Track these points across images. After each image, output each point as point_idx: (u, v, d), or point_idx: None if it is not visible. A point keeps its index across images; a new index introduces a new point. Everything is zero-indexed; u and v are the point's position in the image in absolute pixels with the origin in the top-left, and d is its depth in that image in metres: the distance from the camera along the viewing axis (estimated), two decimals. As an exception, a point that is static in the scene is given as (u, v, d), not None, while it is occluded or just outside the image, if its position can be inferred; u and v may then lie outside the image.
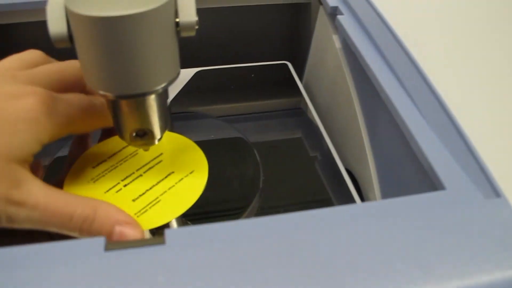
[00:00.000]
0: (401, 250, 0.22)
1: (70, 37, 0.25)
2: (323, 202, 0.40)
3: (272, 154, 0.45)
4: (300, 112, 0.52)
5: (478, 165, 0.28)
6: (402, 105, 0.32)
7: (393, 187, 0.36)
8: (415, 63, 0.34)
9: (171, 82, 0.27)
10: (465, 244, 0.23)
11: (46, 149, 0.40)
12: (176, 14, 0.26)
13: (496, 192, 0.26)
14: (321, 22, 0.47)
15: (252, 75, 0.51)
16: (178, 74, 0.28)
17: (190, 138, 0.36)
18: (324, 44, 0.47)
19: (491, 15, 0.54)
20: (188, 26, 0.26)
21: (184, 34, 0.27)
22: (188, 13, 0.26)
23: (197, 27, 0.26)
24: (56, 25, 0.25)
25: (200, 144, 0.37)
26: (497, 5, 0.56)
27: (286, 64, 0.53)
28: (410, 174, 0.32)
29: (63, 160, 0.42)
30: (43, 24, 0.26)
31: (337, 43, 0.43)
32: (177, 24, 0.26)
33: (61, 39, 0.25)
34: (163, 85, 0.27)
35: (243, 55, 0.56)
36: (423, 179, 0.30)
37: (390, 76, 0.34)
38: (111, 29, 0.23)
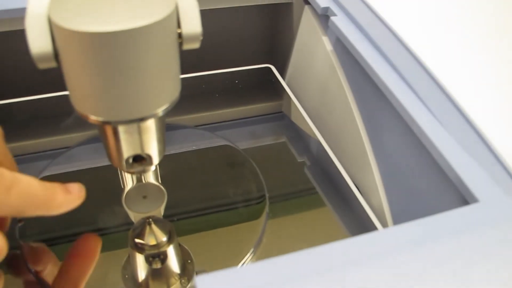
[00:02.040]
0: (455, 276, 0.20)
1: (55, 55, 0.22)
2: (330, 212, 0.38)
3: (263, 162, 0.42)
4: (283, 116, 0.49)
5: (507, 172, 0.26)
6: (415, 109, 0.30)
7: (402, 194, 0.35)
8: (422, 63, 0.33)
9: (173, 103, 0.24)
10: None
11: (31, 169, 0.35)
12: (178, 25, 0.23)
13: (531, 201, 0.25)
14: (307, 23, 0.45)
15: (236, 81, 0.48)
16: (179, 93, 0.25)
17: (175, 151, 0.33)
18: (311, 46, 0.45)
19: (493, 8, 0.53)
20: (192, 38, 0.23)
21: (187, 46, 0.23)
22: (191, 23, 0.23)
23: (201, 38, 0.23)
24: (38, 42, 0.21)
25: (185, 155, 0.34)
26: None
27: (269, 68, 0.50)
28: (427, 182, 0.30)
29: (49, 179, 0.38)
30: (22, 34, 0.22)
31: (328, 45, 0.41)
32: (179, 35, 0.23)
33: (45, 58, 0.22)
34: (164, 107, 0.24)
35: (219, 60, 0.53)
36: (446, 189, 0.28)
37: (397, 79, 0.32)
38: (108, 46, 0.20)
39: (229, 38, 0.52)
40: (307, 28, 0.45)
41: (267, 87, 0.50)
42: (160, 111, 0.24)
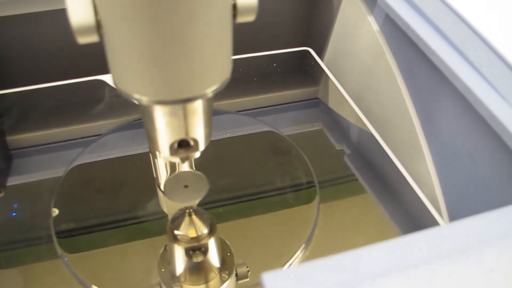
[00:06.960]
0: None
1: (98, 27, 0.19)
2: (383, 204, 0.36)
3: (302, 149, 0.40)
4: (318, 102, 0.47)
5: None
6: (483, 92, 0.27)
7: (460, 181, 0.32)
8: (485, 40, 0.30)
9: (223, 84, 0.22)
10: None
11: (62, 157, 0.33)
12: (233, -5, 0.20)
13: None
14: (350, 2, 0.42)
15: (274, 64, 0.46)
16: (231, 74, 0.23)
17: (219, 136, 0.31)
18: (354, 26, 0.42)
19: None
20: (248, 9, 0.21)
21: (241, 19, 0.21)
22: None
23: (257, 9, 0.21)
24: (79, 13, 0.19)
25: (229, 141, 0.31)
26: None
27: (307, 50, 0.48)
28: (495, 171, 0.28)
29: (82, 168, 0.37)
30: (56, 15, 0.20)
31: (374, 24, 0.38)
32: (233, 7, 0.21)
33: (87, 31, 0.19)
34: (215, 87, 0.21)
35: (256, 43, 0.50)
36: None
37: (459, 59, 0.30)
38: (160, 12, 0.18)
39: (265, 19, 0.49)
40: (350, 8, 0.42)
41: (304, 71, 0.48)
42: (210, 91, 0.21)
